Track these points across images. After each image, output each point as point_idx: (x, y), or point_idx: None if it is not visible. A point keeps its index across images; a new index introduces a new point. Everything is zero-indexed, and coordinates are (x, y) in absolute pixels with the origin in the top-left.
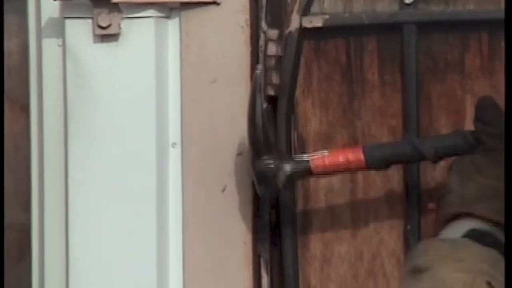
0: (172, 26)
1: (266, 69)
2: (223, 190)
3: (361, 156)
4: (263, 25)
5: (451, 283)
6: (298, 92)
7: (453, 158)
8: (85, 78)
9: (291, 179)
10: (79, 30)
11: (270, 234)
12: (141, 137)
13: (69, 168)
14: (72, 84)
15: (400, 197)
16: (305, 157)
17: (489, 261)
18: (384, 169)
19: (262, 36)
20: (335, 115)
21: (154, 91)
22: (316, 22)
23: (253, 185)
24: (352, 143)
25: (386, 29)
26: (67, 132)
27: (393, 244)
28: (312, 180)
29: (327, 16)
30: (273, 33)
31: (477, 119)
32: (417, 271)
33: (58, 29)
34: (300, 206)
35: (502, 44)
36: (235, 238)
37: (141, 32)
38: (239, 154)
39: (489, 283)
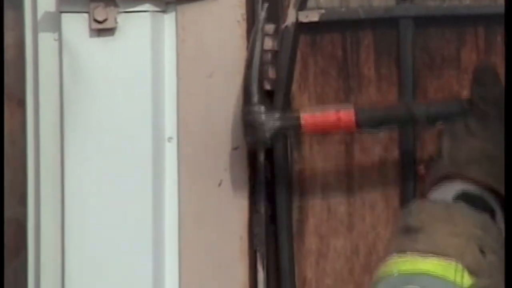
0: (168, 20)
1: (262, 64)
2: (219, 185)
3: (352, 114)
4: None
5: (444, 246)
6: (294, 87)
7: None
8: (81, 72)
9: (280, 132)
10: (75, 25)
11: (265, 191)
12: (137, 131)
13: (65, 162)
14: (68, 78)
15: (396, 191)
16: (295, 112)
17: (481, 226)
18: (374, 130)
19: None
20: None
21: (150, 86)
22: (312, 16)
23: (250, 180)
24: (349, 137)
25: (383, 23)
26: (63, 127)
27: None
28: (308, 174)
29: (323, 11)
30: (270, 27)
31: (473, 80)
32: (409, 231)
33: (54, 24)
34: (296, 200)
35: (499, 39)
36: (231, 232)
37: (138, 26)
38: (235, 148)
39: (481, 250)
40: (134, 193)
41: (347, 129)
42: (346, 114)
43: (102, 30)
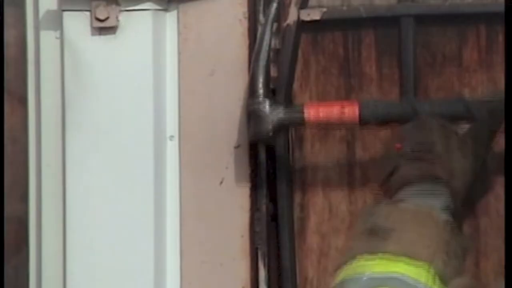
0: (170, 19)
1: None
2: (221, 183)
3: (356, 109)
4: (261, 18)
5: (416, 249)
6: (296, 85)
7: None
8: (83, 70)
9: (283, 124)
10: (77, 23)
11: (267, 190)
12: (139, 129)
13: (67, 160)
14: (70, 76)
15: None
16: (299, 105)
17: (448, 230)
18: (378, 126)
19: (260, 29)
20: None
21: (151, 84)
22: (314, 15)
23: (251, 178)
24: (350, 135)
25: (384, 22)
26: (65, 124)
27: None
28: (309, 173)
29: (325, 9)
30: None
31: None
32: (379, 232)
33: (56, 22)
34: (297, 199)
35: (500, 37)
36: (233, 230)
37: (139, 24)
38: (236, 147)
39: (447, 254)
40: (136, 190)
41: (351, 123)
42: (350, 108)
43: (104, 28)
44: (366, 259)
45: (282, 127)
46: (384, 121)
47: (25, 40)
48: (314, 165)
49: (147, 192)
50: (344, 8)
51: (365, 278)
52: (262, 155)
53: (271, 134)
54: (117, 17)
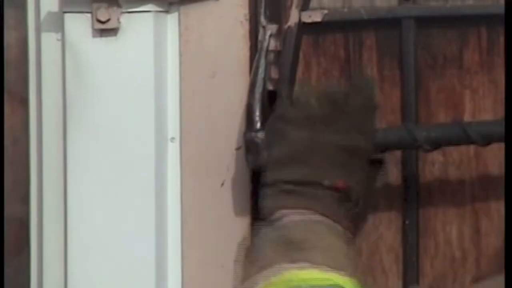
0: (171, 20)
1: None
2: (222, 185)
3: None
4: (262, 20)
5: (336, 261)
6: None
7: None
8: (84, 72)
9: None
10: (78, 25)
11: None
12: (140, 131)
13: (68, 161)
14: (71, 78)
15: (399, 192)
16: None
17: (344, 241)
18: (378, 153)
19: (261, 31)
20: None
21: (153, 86)
22: (315, 17)
23: (252, 180)
24: None
25: (385, 24)
26: (66, 126)
27: (391, 240)
28: None
29: (326, 11)
30: (272, 27)
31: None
32: (292, 243)
33: (57, 24)
34: None
35: (501, 39)
36: (234, 232)
37: (140, 26)
38: (237, 148)
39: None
40: (137, 192)
41: None
42: None
43: (105, 30)
44: (295, 269)
45: None
46: (383, 148)
47: (26, 42)
48: None
49: (148, 193)
50: (345, 10)
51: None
52: None
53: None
54: (118, 19)
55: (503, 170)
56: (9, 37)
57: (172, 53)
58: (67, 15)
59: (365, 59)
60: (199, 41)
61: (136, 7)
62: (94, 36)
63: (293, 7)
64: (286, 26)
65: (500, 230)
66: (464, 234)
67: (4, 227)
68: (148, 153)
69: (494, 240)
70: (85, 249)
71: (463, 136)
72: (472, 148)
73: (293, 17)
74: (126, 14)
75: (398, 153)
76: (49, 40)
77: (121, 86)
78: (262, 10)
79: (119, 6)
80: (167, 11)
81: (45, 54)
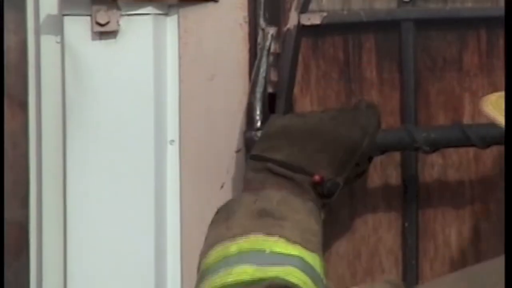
0: (171, 23)
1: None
2: (221, 187)
3: None
4: (262, 22)
5: (307, 240)
6: (296, 90)
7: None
8: (84, 75)
9: None
10: (78, 27)
11: None
12: (139, 134)
13: (67, 165)
14: (70, 81)
15: (398, 195)
16: None
17: (316, 221)
18: (377, 154)
19: (260, 33)
20: None
21: (152, 88)
22: (314, 19)
23: None
24: None
25: (384, 26)
26: (65, 129)
27: (391, 242)
28: None
29: (325, 14)
30: (272, 30)
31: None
32: (268, 216)
33: (57, 26)
34: None
35: (501, 41)
36: None
37: (140, 29)
38: (237, 151)
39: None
40: (136, 195)
41: None
42: None
43: (104, 33)
44: (264, 237)
45: None
46: (383, 149)
47: (25, 45)
48: None
49: (147, 196)
50: (345, 12)
51: (267, 253)
52: None
53: None
54: (117, 22)
55: (502, 173)
56: (9, 40)
57: (172, 55)
58: (66, 18)
59: (365, 62)
60: (198, 44)
61: (135, 9)
62: (93, 39)
63: (292, 10)
64: (285, 29)
65: (500, 233)
66: (463, 237)
67: (4, 230)
68: (148, 156)
69: (493, 242)
70: (84, 252)
71: (462, 138)
72: (471, 150)
73: (292, 20)
74: (126, 17)
75: (397, 156)
76: (49, 43)
77: (121, 88)
78: (262, 12)
79: (118, 8)
80: (166, 14)
81: (44, 57)
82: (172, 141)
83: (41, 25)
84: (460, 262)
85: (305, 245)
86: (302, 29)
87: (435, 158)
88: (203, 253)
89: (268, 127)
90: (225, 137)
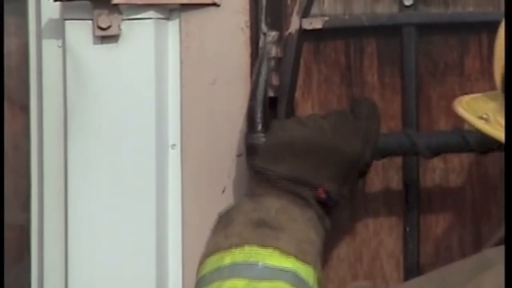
0: (172, 27)
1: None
2: (223, 192)
3: None
4: (263, 26)
5: (304, 252)
6: (297, 94)
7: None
8: (85, 79)
9: None
10: (79, 31)
11: None
12: (141, 138)
13: (69, 168)
14: (72, 85)
15: (399, 198)
16: None
17: (316, 232)
18: (377, 159)
19: (262, 37)
20: None
21: (153, 92)
22: (315, 24)
23: None
24: None
25: (386, 31)
26: (67, 133)
27: (392, 246)
28: None
29: (326, 18)
30: (273, 34)
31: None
32: (265, 226)
33: (58, 30)
34: None
35: None
36: None
37: (141, 33)
38: (238, 155)
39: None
40: (138, 199)
41: None
42: None
43: (106, 37)
44: (258, 249)
45: None
46: (383, 153)
47: (27, 49)
48: None
49: (149, 200)
50: (346, 16)
51: (260, 266)
52: None
53: None
54: (119, 26)
55: (503, 176)
56: (10, 44)
57: (173, 59)
58: (68, 22)
59: (366, 66)
60: (200, 48)
61: (137, 14)
62: (95, 43)
63: (294, 14)
64: (287, 33)
65: None
66: (465, 241)
67: (4, 233)
68: (149, 160)
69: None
70: (85, 255)
71: (462, 143)
72: (472, 154)
73: (294, 24)
74: (127, 21)
75: (399, 160)
76: (50, 47)
77: (122, 92)
78: (263, 17)
79: (120, 13)
80: (168, 18)
81: (46, 61)
82: (174, 145)
83: (43, 29)
84: None
85: (300, 257)
86: (303, 33)
87: (437, 162)
88: (201, 261)
89: (270, 138)
90: (226, 141)
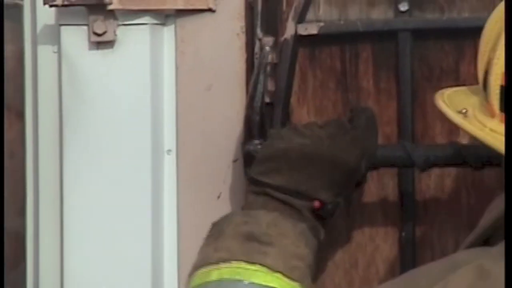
0: (168, 33)
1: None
2: (218, 197)
3: None
4: (259, 32)
5: (291, 268)
6: (293, 100)
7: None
8: (81, 84)
9: None
10: (75, 37)
11: None
12: (136, 143)
13: (64, 174)
14: (67, 90)
15: (395, 204)
16: None
17: (310, 246)
18: (373, 170)
19: (257, 43)
20: None
21: (149, 98)
22: (311, 29)
23: None
24: None
25: (381, 36)
26: (62, 138)
27: (388, 251)
28: None
29: (322, 24)
30: (269, 40)
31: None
32: (254, 240)
33: (54, 36)
34: None
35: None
36: None
37: (137, 39)
38: (234, 161)
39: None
40: (133, 204)
41: None
42: None
43: (101, 42)
44: (245, 265)
45: None
46: (378, 165)
47: (22, 54)
48: None
49: (144, 205)
50: (342, 22)
51: (245, 283)
52: None
53: None
54: (114, 32)
55: (499, 182)
56: (6, 49)
57: (169, 65)
58: (63, 28)
59: (361, 72)
60: (196, 54)
61: (132, 19)
62: (90, 48)
63: (289, 20)
64: (282, 39)
65: None
66: (460, 246)
67: (3, 240)
68: (145, 166)
69: None
70: (81, 261)
71: (459, 157)
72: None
73: (289, 30)
74: (123, 27)
75: None
76: (46, 53)
77: (118, 98)
78: (259, 22)
79: (115, 18)
80: (163, 24)
81: (41, 66)
82: (169, 150)
83: (38, 35)
84: None
85: (287, 274)
86: (299, 39)
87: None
88: (191, 272)
89: (266, 148)
90: (222, 147)
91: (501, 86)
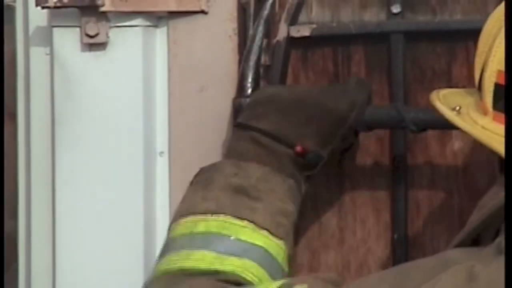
0: (160, 35)
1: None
2: None
3: None
4: (251, 34)
5: (277, 225)
6: None
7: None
8: (73, 86)
9: None
10: (67, 39)
11: None
12: (129, 145)
13: (56, 176)
14: (59, 92)
15: (387, 206)
16: None
17: (294, 201)
18: (364, 130)
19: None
20: None
21: (141, 100)
22: (303, 31)
23: None
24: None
25: (374, 38)
26: (54, 140)
27: (380, 253)
28: None
29: (314, 26)
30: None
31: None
32: (244, 194)
33: (46, 38)
34: None
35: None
36: None
37: (129, 41)
38: None
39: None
40: (125, 206)
41: None
42: None
43: (94, 44)
44: (233, 220)
45: None
46: (370, 125)
47: (15, 56)
48: None
49: (137, 207)
50: (334, 24)
51: (231, 240)
52: None
53: None
54: (107, 33)
55: (490, 182)
56: None
57: (161, 67)
58: (55, 30)
59: (354, 73)
60: (188, 55)
61: (124, 21)
62: (82, 50)
63: (282, 22)
64: (275, 41)
65: None
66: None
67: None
68: (137, 167)
69: None
70: (73, 263)
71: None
72: (459, 160)
73: (282, 32)
74: (115, 29)
75: (387, 166)
76: (38, 55)
77: (110, 100)
78: (251, 24)
79: (107, 20)
80: (155, 26)
81: (33, 68)
82: (162, 152)
83: (31, 37)
84: None
85: (273, 231)
86: (291, 41)
87: (424, 169)
88: (175, 218)
89: (256, 95)
90: (214, 148)
91: (495, 84)
